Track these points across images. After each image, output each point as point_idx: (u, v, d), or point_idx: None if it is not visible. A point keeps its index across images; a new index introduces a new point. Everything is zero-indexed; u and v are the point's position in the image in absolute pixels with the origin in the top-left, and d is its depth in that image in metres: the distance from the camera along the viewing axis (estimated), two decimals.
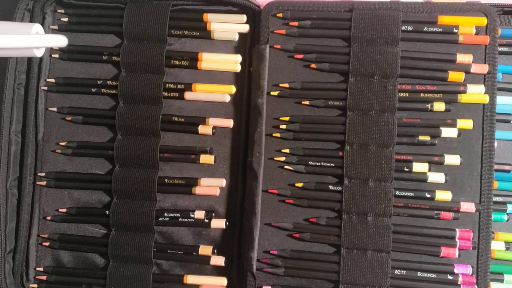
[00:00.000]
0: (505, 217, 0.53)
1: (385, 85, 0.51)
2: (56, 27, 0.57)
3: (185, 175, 0.55)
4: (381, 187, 0.51)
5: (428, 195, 0.51)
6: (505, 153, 0.54)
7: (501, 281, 0.53)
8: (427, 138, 0.52)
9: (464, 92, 0.52)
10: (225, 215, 0.55)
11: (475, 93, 0.52)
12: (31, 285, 0.55)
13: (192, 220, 0.54)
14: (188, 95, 0.55)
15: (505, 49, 0.54)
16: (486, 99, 0.51)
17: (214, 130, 0.55)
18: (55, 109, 0.56)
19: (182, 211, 0.54)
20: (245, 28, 0.55)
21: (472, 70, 0.52)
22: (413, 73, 0.52)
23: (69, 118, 0.56)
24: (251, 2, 0.54)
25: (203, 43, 0.56)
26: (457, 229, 0.51)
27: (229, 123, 0.55)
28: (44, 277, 0.55)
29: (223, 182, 0.54)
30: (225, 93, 0.55)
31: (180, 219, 0.54)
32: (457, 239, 0.51)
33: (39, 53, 0.45)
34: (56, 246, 0.55)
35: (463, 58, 0.52)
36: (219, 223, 0.54)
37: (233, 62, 0.55)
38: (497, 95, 0.52)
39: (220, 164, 0.55)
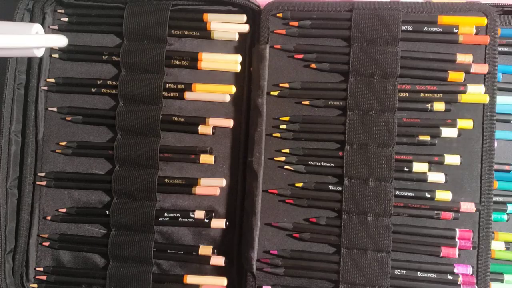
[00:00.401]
0: (505, 217, 0.53)
1: (385, 85, 0.51)
2: (56, 27, 0.57)
3: (185, 175, 0.55)
4: (381, 187, 0.51)
5: (428, 195, 0.51)
6: (505, 153, 0.54)
7: (501, 281, 0.53)
8: (427, 138, 0.52)
9: (464, 92, 0.52)
10: (225, 215, 0.55)
11: (475, 93, 0.52)
12: (31, 285, 0.55)
13: (192, 220, 0.54)
14: (188, 95, 0.55)
15: (505, 49, 0.54)
16: (486, 99, 0.51)
17: (214, 130, 0.55)
18: (55, 109, 0.56)
19: (182, 211, 0.54)
20: (245, 28, 0.55)
21: (472, 70, 0.52)
22: (413, 73, 0.52)
23: (69, 118, 0.56)
24: (251, 2, 0.54)
25: (203, 43, 0.56)
26: (457, 229, 0.51)
27: (229, 123, 0.55)
28: (44, 277, 0.55)
29: (223, 182, 0.54)
30: (225, 93, 0.55)
31: (180, 219, 0.54)
32: (457, 239, 0.51)
33: (39, 53, 0.45)
34: (56, 246, 0.55)
35: (463, 58, 0.52)
36: (219, 223, 0.54)
37: (233, 62, 0.55)
38: (497, 95, 0.52)
39: (220, 164, 0.55)
